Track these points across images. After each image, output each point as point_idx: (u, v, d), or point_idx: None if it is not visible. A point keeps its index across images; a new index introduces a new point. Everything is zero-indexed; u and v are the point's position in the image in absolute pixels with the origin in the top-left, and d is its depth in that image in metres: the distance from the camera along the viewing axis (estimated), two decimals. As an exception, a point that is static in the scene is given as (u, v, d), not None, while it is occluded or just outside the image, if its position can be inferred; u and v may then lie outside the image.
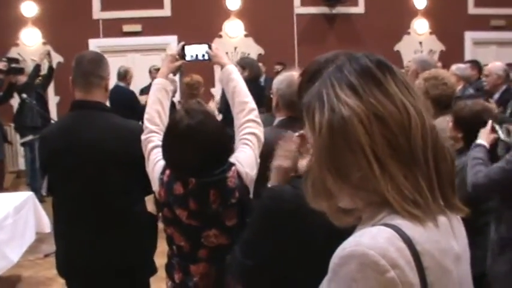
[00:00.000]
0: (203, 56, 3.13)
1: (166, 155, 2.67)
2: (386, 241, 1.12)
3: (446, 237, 1.23)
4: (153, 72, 10.31)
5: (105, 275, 3.26)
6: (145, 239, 3.35)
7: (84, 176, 3.20)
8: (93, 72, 3.27)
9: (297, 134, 2.05)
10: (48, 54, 10.17)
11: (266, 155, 2.66)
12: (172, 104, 3.78)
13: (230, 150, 2.74)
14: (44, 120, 9.20)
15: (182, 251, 2.70)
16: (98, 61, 3.33)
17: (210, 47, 3.12)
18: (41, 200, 7.48)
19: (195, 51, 3.13)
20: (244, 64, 7.81)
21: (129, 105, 8.27)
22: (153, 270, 3.43)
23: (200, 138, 2.53)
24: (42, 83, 9.95)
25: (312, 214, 1.46)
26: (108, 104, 3.53)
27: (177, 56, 3.13)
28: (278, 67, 11.79)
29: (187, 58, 3.14)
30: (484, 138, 3.57)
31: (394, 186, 1.16)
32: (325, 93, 1.21)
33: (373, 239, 1.12)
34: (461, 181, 3.65)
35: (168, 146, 2.64)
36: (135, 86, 10.54)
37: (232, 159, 2.70)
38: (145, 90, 10.10)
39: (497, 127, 3.62)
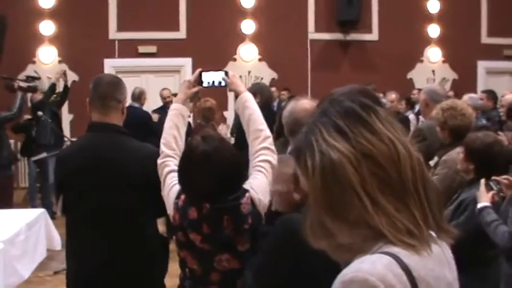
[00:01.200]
0: (219, 82, 3.19)
1: (181, 179, 2.71)
2: (385, 267, 1.18)
3: (439, 266, 1.29)
4: (165, 95, 10.42)
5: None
6: (156, 261, 3.37)
7: (99, 196, 3.23)
8: (111, 95, 3.32)
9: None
10: (64, 73, 10.29)
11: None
12: (189, 125, 3.84)
13: (244, 177, 2.78)
14: (57, 139, 9.29)
15: (194, 274, 2.74)
16: (116, 84, 3.39)
17: (227, 74, 3.18)
18: (52, 217, 7.51)
19: (212, 77, 3.19)
20: (255, 90, 7.84)
21: (143, 126, 8.30)
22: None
23: (215, 165, 2.57)
24: (57, 101, 10.05)
25: None
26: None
27: (194, 82, 3.19)
28: (284, 93, 11.87)
29: (205, 84, 3.19)
30: (483, 199, 3.59)
31: (387, 220, 1.23)
32: (314, 139, 1.28)
33: (372, 265, 1.18)
34: (471, 213, 3.69)
35: (184, 171, 2.68)
36: (149, 107, 10.61)
37: (246, 185, 2.74)
38: (157, 113, 10.21)
39: (491, 183, 3.66)
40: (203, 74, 3.20)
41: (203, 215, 2.62)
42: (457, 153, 4.10)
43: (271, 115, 4.98)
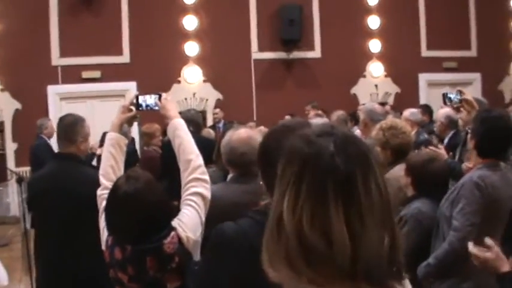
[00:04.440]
0: (154, 105, 3.17)
1: (105, 219, 2.67)
2: None
3: None
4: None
5: None
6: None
7: (59, 214, 3.93)
8: (67, 135, 4.12)
9: None
10: None
11: (220, 210, 2.72)
12: (134, 151, 3.94)
13: (169, 218, 2.67)
14: None
15: None
16: (72, 125, 4.17)
17: (160, 97, 3.16)
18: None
19: (148, 101, 3.18)
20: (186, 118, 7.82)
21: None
22: None
23: (134, 207, 2.52)
24: None
25: (250, 251, 1.64)
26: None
27: (130, 106, 3.19)
28: (217, 111, 11.95)
29: (141, 108, 3.19)
30: None
31: None
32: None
33: None
34: (410, 227, 3.79)
35: (107, 212, 2.64)
36: (96, 133, 10.51)
37: (174, 222, 2.67)
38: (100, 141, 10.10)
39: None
40: (139, 97, 3.20)
41: (126, 257, 2.57)
42: (399, 169, 4.21)
43: (205, 143, 4.95)
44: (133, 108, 3.22)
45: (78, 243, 3.86)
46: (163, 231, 2.59)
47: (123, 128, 3.20)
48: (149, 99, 3.18)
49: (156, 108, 3.15)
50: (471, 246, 2.77)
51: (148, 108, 3.18)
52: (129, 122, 3.27)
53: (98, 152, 9.07)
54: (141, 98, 3.19)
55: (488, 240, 2.75)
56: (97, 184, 3.29)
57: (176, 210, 2.77)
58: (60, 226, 3.94)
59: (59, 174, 4.07)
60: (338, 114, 7.64)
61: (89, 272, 3.67)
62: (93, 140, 10.30)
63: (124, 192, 2.54)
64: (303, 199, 1.32)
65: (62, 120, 4.29)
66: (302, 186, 1.33)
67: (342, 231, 1.28)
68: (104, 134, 9.86)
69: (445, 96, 4.58)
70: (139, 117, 3.48)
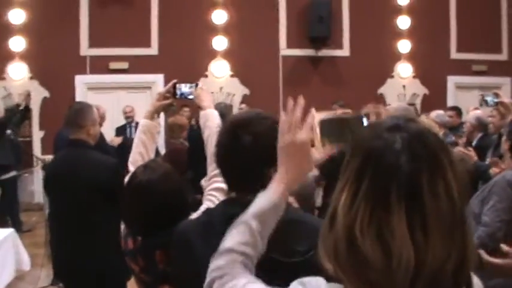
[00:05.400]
0: (189, 94, 3.13)
1: (120, 207, 2.64)
2: None
3: None
4: (127, 112, 10.47)
5: (84, 276, 4.08)
6: (112, 256, 3.65)
7: (68, 199, 4.14)
8: (76, 121, 4.31)
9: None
10: (28, 95, 10.24)
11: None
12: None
13: (184, 212, 2.49)
14: (17, 158, 9.30)
15: None
16: (81, 111, 4.37)
17: (196, 87, 3.12)
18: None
19: (183, 89, 3.14)
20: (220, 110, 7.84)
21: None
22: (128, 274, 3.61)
23: (146, 198, 2.47)
24: (15, 121, 9.96)
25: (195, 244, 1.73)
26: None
27: (166, 94, 3.13)
28: (242, 106, 11.97)
29: (177, 96, 3.14)
30: None
31: None
32: None
33: None
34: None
35: (123, 200, 2.60)
36: (118, 124, 10.60)
37: (193, 216, 2.51)
38: (120, 130, 10.21)
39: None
40: (177, 85, 3.15)
41: (137, 248, 2.55)
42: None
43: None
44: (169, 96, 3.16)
45: (88, 228, 4.06)
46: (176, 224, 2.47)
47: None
48: (184, 88, 3.14)
49: (191, 97, 3.11)
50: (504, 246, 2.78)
51: (183, 96, 3.14)
52: (165, 109, 3.22)
53: (116, 142, 9.18)
54: (178, 87, 3.16)
55: (504, 247, 2.75)
56: (106, 169, 4.06)
57: (198, 204, 2.67)
58: (70, 210, 4.15)
59: (68, 159, 4.31)
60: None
61: (101, 256, 3.89)
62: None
63: (138, 182, 2.51)
64: (360, 198, 1.19)
65: (70, 108, 4.56)
66: (362, 184, 1.20)
67: (405, 242, 1.14)
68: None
69: (482, 98, 4.53)
70: (175, 106, 3.44)
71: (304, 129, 1.68)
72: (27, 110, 10.15)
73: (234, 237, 1.55)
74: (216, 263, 1.53)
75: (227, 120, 2.07)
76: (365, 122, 1.69)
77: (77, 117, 4.32)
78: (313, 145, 1.63)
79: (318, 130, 1.75)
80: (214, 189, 2.64)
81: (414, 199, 1.15)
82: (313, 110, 1.73)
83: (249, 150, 1.83)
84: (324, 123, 1.75)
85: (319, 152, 2.92)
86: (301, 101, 1.70)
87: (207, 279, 1.53)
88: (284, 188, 1.63)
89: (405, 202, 1.15)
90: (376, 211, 1.17)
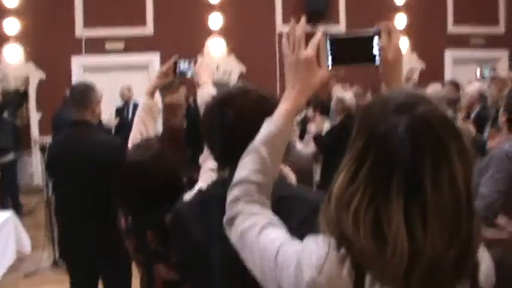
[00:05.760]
0: (188, 70, 3.01)
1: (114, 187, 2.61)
2: None
3: None
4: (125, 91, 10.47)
5: (89, 257, 4.10)
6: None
7: (72, 179, 4.14)
8: (81, 101, 4.26)
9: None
10: (27, 79, 10.28)
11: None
12: None
13: (176, 192, 2.36)
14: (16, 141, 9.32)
15: (143, 281, 2.66)
16: (86, 91, 4.32)
17: (195, 62, 3.00)
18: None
19: (182, 66, 3.03)
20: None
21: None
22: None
23: (136, 178, 2.45)
24: (14, 104, 10.00)
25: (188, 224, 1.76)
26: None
27: (168, 71, 3.03)
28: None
29: (177, 74, 3.03)
30: None
31: None
32: None
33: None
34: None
35: (116, 180, 2.57)
36: (117, 104, 10.60)
37: (186, 196, 2.42)
38: (120, 111, 10.21)
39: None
40: (178, 62, 3.05)
41: (129, 227, 2.54)
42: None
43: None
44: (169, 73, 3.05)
45: (92, 207, 4.07)
46: (171, 204, 2.35)
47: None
48: (183, 65, 3.03)
49: (190, 74, 3.00)
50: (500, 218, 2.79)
51: (183, 74, 3.03)
52: (166, 87, 3.14)
53: (112, 123, 9.19)
54: (179, 63, 3.05)
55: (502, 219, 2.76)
56: (113, 149, 3.88)
57: (194, 182, 2.59)
58: (75, 190, 4.15)
59: (73, 140, 4.26)
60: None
61: (105, 235, 3.80)
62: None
63: (129, 162, 2.50)
64: (359, 182, 1.16)
65: (74, 88, 4.58)
66: (363, 167, 1.17)
67: (401, 232, 1.10)
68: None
69: (478, 71, 4.53)
70: (177, 83, 3.33)
71: (309, 47, 1.69)
72: (25, 93, 10.18)
73: (246, 166, 1.55)
74: (233, 193, 1.53)
75: (212, 97, 2.04)
76: (376, 42, 1.67)
77: (83, 97, 4.29)
78: (319, 65, 1.62)
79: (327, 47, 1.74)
80: (209, 169, 2.57)
81: (415, 189, 1.12)
82: (321, 29, 1.75)
83: (234, 125, 1.81)
84: (332, 42, 1.73)
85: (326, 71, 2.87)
86: (302, 21, 1.73)
87: (227, 213, 1.53)
88: (291, 106, 1.62)
89: (405, 191, 1.12)
90: (374, 197, 1.14)
